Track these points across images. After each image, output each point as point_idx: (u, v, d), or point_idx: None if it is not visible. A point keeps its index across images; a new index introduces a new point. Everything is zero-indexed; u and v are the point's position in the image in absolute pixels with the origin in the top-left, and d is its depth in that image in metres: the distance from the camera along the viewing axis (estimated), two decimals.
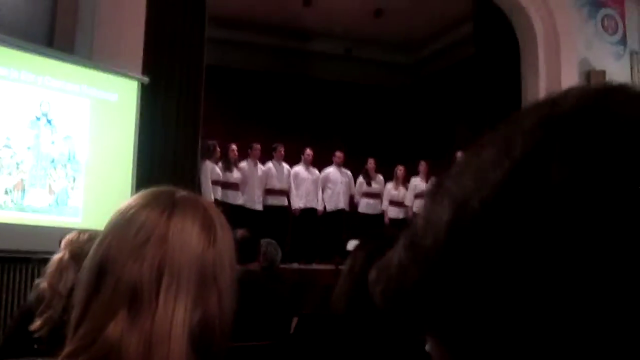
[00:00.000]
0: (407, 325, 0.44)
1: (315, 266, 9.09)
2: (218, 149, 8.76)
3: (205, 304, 0.93)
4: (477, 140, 0.45)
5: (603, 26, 9.45)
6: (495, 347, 0.37)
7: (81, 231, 2.69)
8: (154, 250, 0.91)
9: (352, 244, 6.06)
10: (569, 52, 9.09)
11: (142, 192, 1.01)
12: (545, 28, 9.14)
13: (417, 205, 9.93)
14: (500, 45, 9.67)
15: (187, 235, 0.94)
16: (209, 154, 8.51)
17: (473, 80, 10.31)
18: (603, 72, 9.21)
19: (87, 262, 0.96)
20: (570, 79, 9.01)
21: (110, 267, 0.91)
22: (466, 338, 0.38)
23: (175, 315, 0.89)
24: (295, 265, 8.66)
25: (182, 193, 1.02)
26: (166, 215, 0.94)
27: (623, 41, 9.59)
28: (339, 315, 2.00)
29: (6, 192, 5.99)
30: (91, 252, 0.96)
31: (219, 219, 1.00)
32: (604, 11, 9.46)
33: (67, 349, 0.92)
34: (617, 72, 9.35)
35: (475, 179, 0.40)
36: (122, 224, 0.95)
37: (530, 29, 9.22)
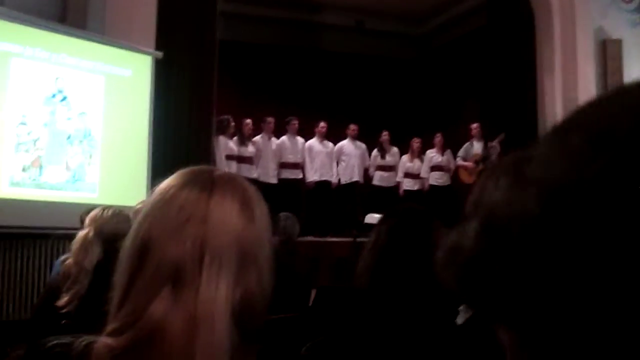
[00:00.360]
0: (480, 311, 0.44)
1: (330, 239, 9.12)
2: (232, 123, 8.76)
3: (246, 281, 0.95)
4: (556, 124, 0.43)
5: None
6: (583, 339, 0.37)
7: (105, 208, 2.73)
8: (195, 229, 0.93)
9: (370, 217, 6.09)
10: (584, 21, 8.98)
11: (181, 172, 1.02)
12: None
13: (433, 178, 9.93)
14: (513, 14, 9.57)
15: (227, 215, 0.95)
16: (222, 129, 8.52)
17: (486, 51, 10.23)
18: (619, 41, 9.11)
19: (128, 242, 0.97)
20: (585, 48, 8.92)
21: (153, 247, 0.93)
22: (549, 328, 0.38)
23: (218, 293, 0.91)
24: (310, 238, 8.70)
25: (219, 172, 1.03)
26: (206, 195, 0.96)
27: (639, 9, 9.46)
28: (362, 289, 2.02)
29: (24, 169, 6.04)
30: (132, 231, 0.98)
31: (257, 197, 1.02)
32: None
33: (110, 326, 0.94)
34: (633, 41, 9.25)
35: (566, 170, 0.39)
36: (163, 203, 0.96)
37: None
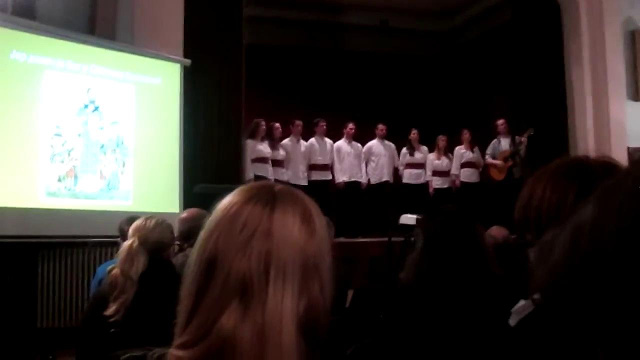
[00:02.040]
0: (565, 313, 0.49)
1: (361, 239, 9.13)
2: (262, 127, 8.79)
3: (310, 292, 0.98)
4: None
5: None
6: None
7: (148, 217, 2.78)
8: (260, 244, 0.96)
9: (405, 218, 6.08)
10: (612, 11, 8.87)
11: (242, 188, 1.06)
12: None
13: (463, 175, 9.90)
14: (539, 8, 9.49)
15: (289, 229, 0.98)
16: (252, 133, 8.56)
17: (512, 46, 10.16)
18: None
19: (194, 257, 1.00)
20: (614, 40, 8.82)
21: (220, 262, 0.96)
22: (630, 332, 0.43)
23: (284, 305, 0.94)
24: (341, 239, 8.71)
25: (279, 187, 1.06)
26: (268, 210, 0.99)
27: None
28: (408, 287, 2.04)
29: (59, 180, 6.16)
30: (197, 247, 1.01)
31: (316, 210, 1.05)
32: None
33: (181, 339, 0.97)
34: None
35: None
36: (227, 220, 0.99)
37: None
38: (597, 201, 0.49)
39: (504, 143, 9.62)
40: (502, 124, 9.69)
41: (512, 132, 9.59)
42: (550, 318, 0.53)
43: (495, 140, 9.76)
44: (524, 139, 9.27)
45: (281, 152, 9.04)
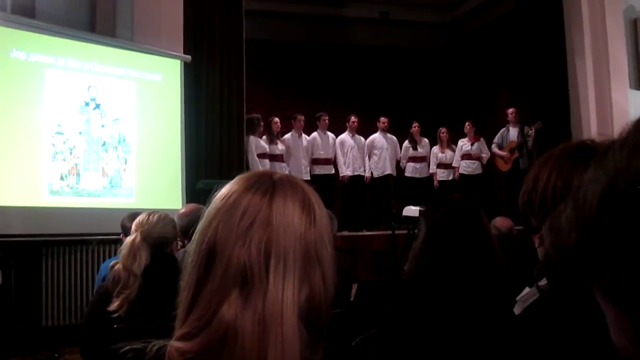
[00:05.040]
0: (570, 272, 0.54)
1: (365, 232, 9.13)
2: (262, 122, 8.78)
3: (311, 281, 0.96)
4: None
5: None
6: None
7: (150, 213, 2.77)
8: (259, 233, 0.94)
9: (408, 210, 6.07)
10: (613, 1, 8.81)
11: (241, 176, 1.04)
12: None
13: (462, 167, 9.88)
14: None
15: (289, 217, 0.97)
16: (252, 129, 8.53)
17: (514, 37, 10.12)
18: None
19: (194, 247, 0.99)
20: (615, 28, 8.77)
21: (219, 252, 0.94)
22: (621, 280, 0.48)
23: (285, 294, 0.92)
24: (345, 233, 8.71)
25: (279, 175, 1.04)
26: (268, 198, 0.97)
27: None
28: (412, 279, 2.01)
29: (62, 178, 6.15)
30: (196, 237, 1.00)
31: (316, 198, 1.03)
32: None
33: (181, 330, 0.95)
34: None
35: (626, 160, 0.49)
36: (226, 209, 0.98)
37: None
38: (592, 167, 0.54)
39: (513, 132, 9.58)
40: (512, 113, 9.65)
41: (521, 122, 9.54)
42: (556, 301, 0.63)
43: (503, 129, 9.73)
44: (532, 131, 9.22)
45: (280, 147, 9.00)
